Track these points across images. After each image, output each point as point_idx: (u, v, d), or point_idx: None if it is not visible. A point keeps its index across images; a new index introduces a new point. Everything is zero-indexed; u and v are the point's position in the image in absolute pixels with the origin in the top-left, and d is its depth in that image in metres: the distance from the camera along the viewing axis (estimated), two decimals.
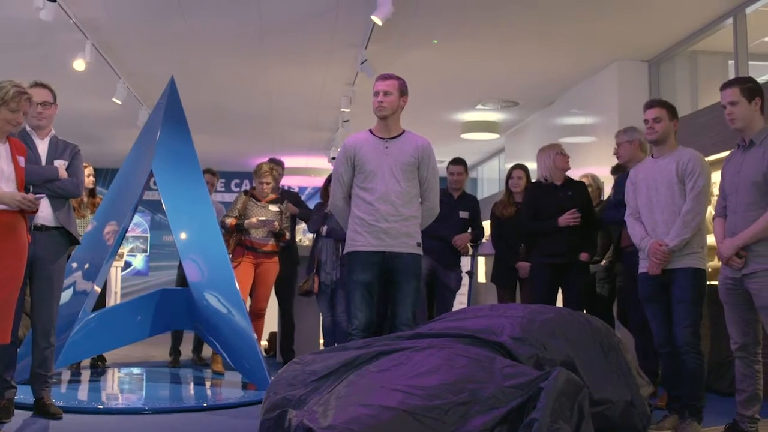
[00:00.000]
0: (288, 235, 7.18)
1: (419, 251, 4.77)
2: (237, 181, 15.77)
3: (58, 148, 4.94)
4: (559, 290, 5.97)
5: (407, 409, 2.95)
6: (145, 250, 15.64)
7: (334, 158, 12.45)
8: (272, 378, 3.84)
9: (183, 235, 6.49)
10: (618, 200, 5.35)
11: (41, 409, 4.87)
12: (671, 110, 4.47)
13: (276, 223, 6.86)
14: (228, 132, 11.83)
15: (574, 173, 6.44)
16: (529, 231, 6.13)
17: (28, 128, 4.86)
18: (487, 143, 11.82)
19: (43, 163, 4.84)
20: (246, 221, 6.84)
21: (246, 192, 7.15)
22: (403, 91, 4.76)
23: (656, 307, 4.43)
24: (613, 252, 6.12)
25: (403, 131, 4.83)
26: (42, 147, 4.89)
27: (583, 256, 5.87)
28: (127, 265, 14.90)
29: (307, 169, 13.94)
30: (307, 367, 3.47)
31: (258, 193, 7.08)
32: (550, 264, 5.90)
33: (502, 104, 9.66)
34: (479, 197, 14.61)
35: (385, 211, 4.62)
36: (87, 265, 6.01)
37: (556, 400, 2.88)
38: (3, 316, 4.14)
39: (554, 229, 5.87)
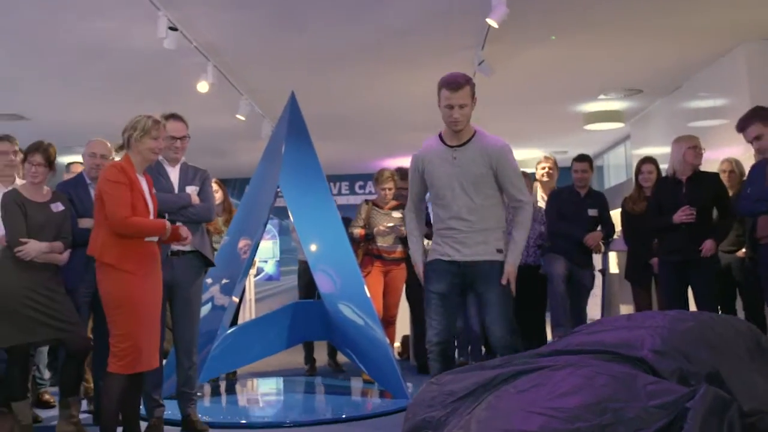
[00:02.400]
0: None
1: (499, 257, 4.39)
2: (361, 183, 15.92)
3: (188, 175, 5.12)
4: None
5: None
6: (275, 256, 16.00)
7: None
8: (410, 399, 3.85)
9: (313, 247, 6.61)
10: (752, 191, 5.11)
11: (188, 425, 5.08)
12: None
13: (402, 228, 6.89)
14: (349, 137, 11.96)
15: (712, 158, 6.19)
16: (650, 227, 5.99)
17: (161, 158, 5.05)
18: (611, 132, 11.51)
19: (176, 190, 5.03)
20: (375, 229, 6.90)
21: (368, 201, 7.22)
22: (473, 94, 4.38)
23: None
24: (748, 243, 5.83)
25: (474, 133, 4.42)
26: (174, 175, 5.08)
27: (706, 246, 5.60)
28: (259, 270, 15.31)
29: None
30: (445, 388, 3.45)
31: (380, 200, 7.15)
32: (672, 261, 5.73)
33: (625, 93, 9.39)
34: (606, 186, 14.31)
35: (459, 228, 4.33)
36: (224, 280, 6.20)
37: (704, 422, 2.76)
38: (153, 341, 4.32)
39: (671, 225, 5.69)
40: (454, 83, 4.27)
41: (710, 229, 5.72)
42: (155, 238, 4.39)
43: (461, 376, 3.48)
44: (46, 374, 6.22)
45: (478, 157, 4.33)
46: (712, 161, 7.59)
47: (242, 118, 8.86)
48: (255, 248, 6.34)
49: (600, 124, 10.33)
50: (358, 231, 7.00)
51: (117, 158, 4.65)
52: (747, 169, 6.59)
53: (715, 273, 5.75)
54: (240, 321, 7.28)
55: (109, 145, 5.34)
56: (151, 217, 4.40)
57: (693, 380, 3.18)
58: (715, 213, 5.81)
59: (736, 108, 7.92)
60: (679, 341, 3.41)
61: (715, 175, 6.01)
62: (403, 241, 6.94)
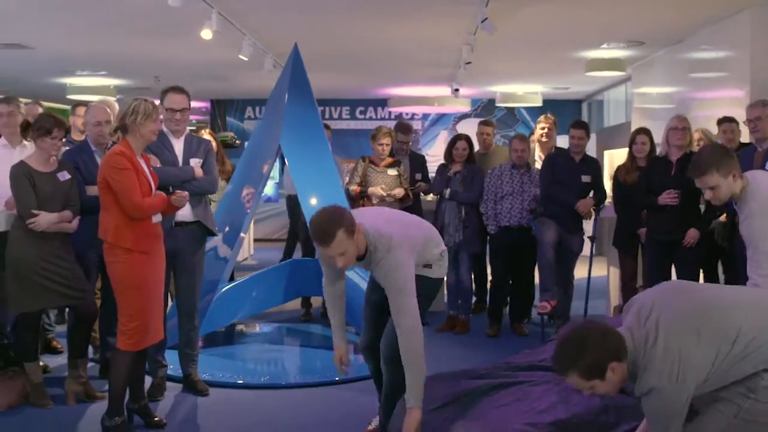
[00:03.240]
0: (411, 196, 7.37)
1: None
2: (361, 108, 15.97)
3: (192, 147, 5.26)
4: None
5: None
6: (273, 177, 16.20)
7: (457, 90, 12.46)
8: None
9: (313, 201, 6.80)
10: None
11: (190, 385, 5.39)
12: None
13: (396, 192, 7.05)
14: (352, 69, 11.99)
15: (708, 115, 6.24)
16: (637, 205, 6.18)
17: (165, 129, 5.18)
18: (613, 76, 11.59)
19: (180, 161, 5.18)
20: (369, 189, 7.07)
21: (364, 158, 7.35)
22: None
23: None
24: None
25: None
26: (178, 147, 5.22)
27: (689, 235, 5.80)
28: None
29: (430, 99, 13.97)
30: (428, 392, 3.68)
31: (375, 157, 7.28)
32: (659, 240, 5.95)
33: (627, 44, 9.41)
34: (605, 124, 14.41)
35: None
36: (227, 228, 6.41)
37: None
38: (159, 317, 4.59)
39: (657, 206, 5.88)
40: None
41: (696, 215, 5.90)
42: (161, 217, 4.58)
43: (444, 383, 3.72)
44: (53, 320, 6.49)
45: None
46: (708, 117, 7.70)
47: (245, 59, 8.90)
48: (258, 199, 6.53)
49: (602, 72, 10.37)
50: (353, 188, 7.17)
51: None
52: (716, 133, 6.70)
53: (699, 256, 5.95)
54: (240, 251, 7.43)
55: (108, 110, 5.45)
56: (155, 191, 4.58)
57: None
58: None
59: (737, 61, 8.01)
60: None
61: None
62: (400, 200, 7.12)
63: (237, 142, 14.16)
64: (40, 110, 6.29)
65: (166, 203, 4.58)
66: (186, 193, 4.80)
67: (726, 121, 6.50)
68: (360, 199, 7.14)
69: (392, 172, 7.21)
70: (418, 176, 7.66)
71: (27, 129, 5.21)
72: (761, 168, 5.30)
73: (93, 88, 12.82)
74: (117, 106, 5.49)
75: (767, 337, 2.78)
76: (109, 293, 5.47)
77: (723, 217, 6.07)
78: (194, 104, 14.69)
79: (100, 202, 4.46)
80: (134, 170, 4.38)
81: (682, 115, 6.24)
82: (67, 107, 12.70)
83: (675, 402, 2.69)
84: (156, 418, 4.73)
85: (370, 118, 15.91)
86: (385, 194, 7.03)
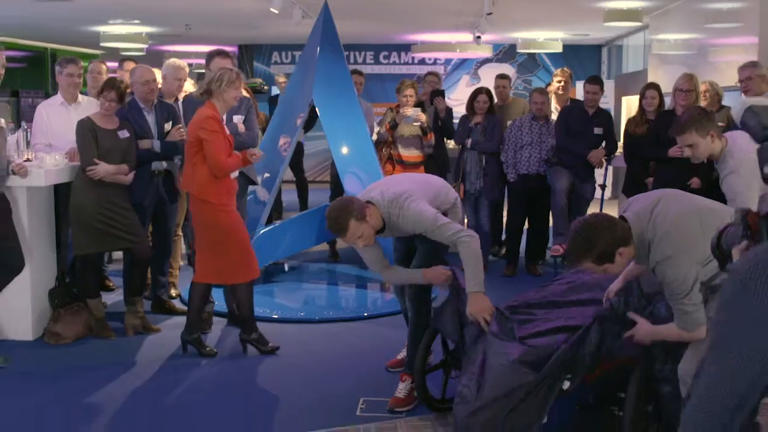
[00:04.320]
0: (432, 136, 7.77)
1: None
2: (385, 53, 16.32)
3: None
4: None
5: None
6: None
7: (479, 37, 12.78)
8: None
9: (344, 150, 7.31)
10: None
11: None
12: None
13: (423, 116, 7.51)
14: (377, 17, 12.34)
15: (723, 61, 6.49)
16: (647, 157, 6.61)
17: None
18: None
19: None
20: (398, 115, 7.50)
21: (392, 109, 7.79)
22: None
23: None
24: None
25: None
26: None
27: (694, 182, 6.25)
28: None
29: (452, 45, 14.31)
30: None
31: (401, 109, 7.71)
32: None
33: None
34: (624, 70, 14.70)
35: None
36: (266, 175, 6.95)
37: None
38: (238, 257, 5.21)
39: (665, 158, 6.31)
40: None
41: (700, 166, 6.33)
42: (237, 172, 5.18)
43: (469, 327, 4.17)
44: (106, 261, 7.08)
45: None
46: (725, 64, 8.03)
47: (276, 11, 9.31)
48: (294, 147, 7.07)
49: (619, 23, 10.68)
50: (384, 127, 7.63)
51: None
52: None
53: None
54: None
55: (154, 70, 5.98)
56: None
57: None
58: None
59: (749, 11, 8.38)
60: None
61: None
62: (423, 131, 7.61)
63: (265, 87, 14.58)
64: (103, 67, 6.80)
65: (244, 162, 5.23)
66: (261, 152, 5.40)
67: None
68: (387, 146, 7.61)
69: (415, 123, 7.63)
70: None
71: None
72: None
73: (125, 35, 13.24)
74: (179, 68, 6.10)
75: None
76: (159, 237, 6.10)
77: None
78: (221, 48, 15.14)
79: (184, 157, 5.19)
80: (222, 132, 4.99)
81: (689, 74, 6.59)
82: (98, 52, 13.20)
83: (688, 268, 3.11)
84: (207, 348, 5.34)
85: (394, 63, 16.28)
86: (411, 113, 7.43)
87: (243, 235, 5.24)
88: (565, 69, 8.08)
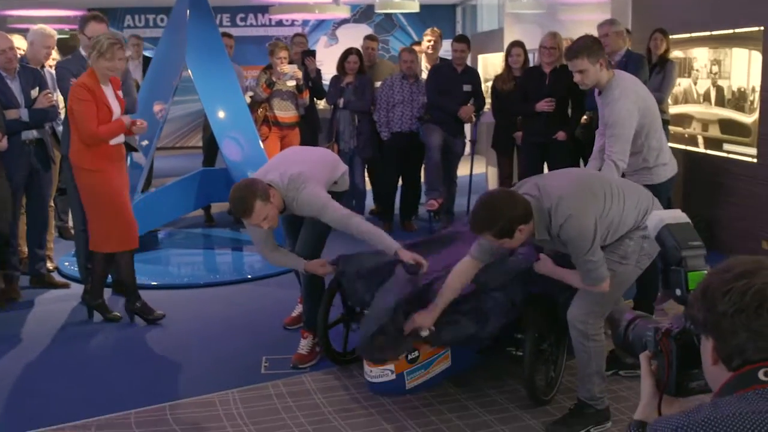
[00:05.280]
0: (307, 93, 7.82)
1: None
2: (242, 15, 16.07)
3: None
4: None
5: None
6: None
7: None
8: None
9: (221, 114, 7.25)
10: None
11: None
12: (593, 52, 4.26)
13: (298, 72, 7.53)
14: None
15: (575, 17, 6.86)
16: (515, 112, 6.96)
17: (83, 54, 5.50)
18: None
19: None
20: (275, 72, 7.48)
21: (265, 70, 7.77)
22: None
23: None
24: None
25: None
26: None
27: (560, 135, 6.64)
28: None
29: (311, 6, 14.25)
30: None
31: (275, 72, 7.69)
32: (533, 142, 6.77)
33: None
34: (479, 29, 15.11)
35: None
36: (145, 142, 6.80)
37: None
38: (122, 224, 5.13)
39: (533, 112, 6.66)
40: None
41: (565, 119, 6.72)
42: (122, 138, 5.05)
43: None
44: None
45: None
46: (575, 22, 8.46)
47: None
48: (167, 111, 6.96)
49: None
50: (261, 87, 7.56)
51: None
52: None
53: (567, 153, 6.77)
54: None
55: (9, 36, 5.74)
56: (117, 115, 5.06)
57: None
58: None
59: None
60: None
61: (568, 71, 6.89)
62: (298, 88, 7.61)
63: None
64: None
65: (123, 127, 5.09)
66: (145, 124, 5.28)
67: None
68: (262, 107, 7.59)
69: (291, 82, 7.64)
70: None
71: None
72: None
73: None
74: (48, 35, 5.86)
75: (631, 200, 3.56)
76: (35, 209, 5.91)
77: (584, 119, 6.88)
78: (68, 14, 14.53)
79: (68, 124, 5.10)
80: (93, 100, 4.86)
81: (553, 32, 6.92)
82: None
83: (588, 223, 3.36)
84: (113, 313, 5.36)
85: (251, 25, 16.07)
86: (289, 69, 7.44)
87: (120, 203, 5.13)
88: (435, 29, 8.26)
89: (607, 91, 4.28)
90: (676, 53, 7.03)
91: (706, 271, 1.90)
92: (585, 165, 7.22)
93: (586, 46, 4.28)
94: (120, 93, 5.16)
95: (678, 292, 1.93)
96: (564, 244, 3.46)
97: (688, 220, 2.08)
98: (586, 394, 3.72)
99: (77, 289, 5.79)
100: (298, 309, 5.06)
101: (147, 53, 9.03)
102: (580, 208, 3.39)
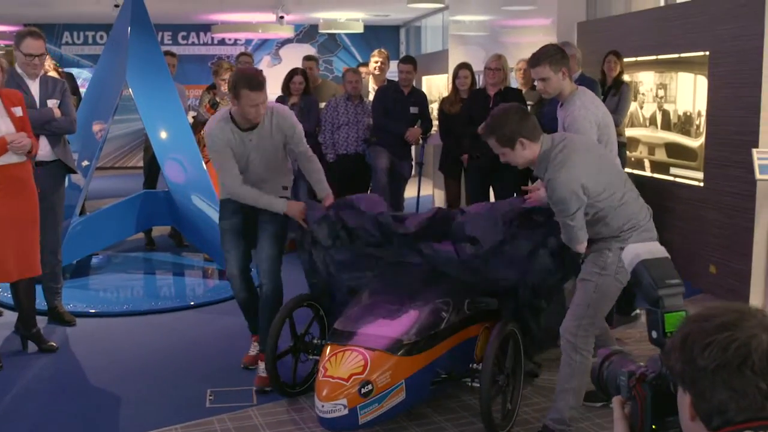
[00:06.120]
0: None
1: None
2: (183, 33, 15.86)
3: (48, 87, 5.40)
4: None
5: None
6: None
7: (282, 17, 12.71)
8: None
9: (163, 135, 7.05)
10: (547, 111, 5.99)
11: (56, 316, 5.66)
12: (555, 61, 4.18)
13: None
14: None
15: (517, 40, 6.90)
16: (461, 134, 6.90)
17: (19, 71, 5.28)
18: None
19: (38, 103, 5.32)
20: (219, 93, 7.34)
21: (209, 90, 7.61)
22: None
23: None
24: None
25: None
26: (34, 88, 5.36)
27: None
28: None
29: (254, 25, 14.13)
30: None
31: (218, 91, 7.55)
32: (479, 166, 6.72)
33: None
34: (423, 50, 15.14)
35: None
36: (84, 163, 6.57)
37: None
38: (31, 252, 4.83)
39: (478, 134, 6.60)
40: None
41: None
42: (14, 158, 4.74)
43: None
44: None
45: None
46: (517, 45, 8.49)
47: None
48: (106, 133, 6.74)
49: (422, 4, 10.98)
50: (204, 107, 7.38)
51: None
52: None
53: (515, 177, 6.72)
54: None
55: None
56: (11, 131, 4.71)
57: None
58: None
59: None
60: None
61: (518, 92, 6.89)
62: None
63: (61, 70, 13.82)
64: None
65: (4, 147, 4.69)
66: (25, 141, 4.80)
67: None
68: (203, 127, 7.40)
69: None
70: None
71: None
72: None
73: None
74: None
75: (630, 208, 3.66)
76: None
77: None
78: (7, 29, 14.14)
79: None
80: None
81: (498, 54, 6.90)
82: None
83: (571, 195, 3.42)
84: (50, 343, 5.12)
85: (193, 44, 15.86)
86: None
87: (20, 228, 4.79)
88: (383, 50, 8.19)
89: (569, 103, 4.25)
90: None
91: (684, 312, 1.81)
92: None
93: (549, 54, 4.23)
94: (17, 109, 4.81)
95: (654, 334, 1.83)
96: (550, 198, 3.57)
97: (666, 254, 1.99)
98: (555, 415, 3.65)
99: (11, 317, 5.53)
100: (254, 347, 4.82)
101: (72, 70, 8.76)
102: (569, 177, 3.46)
